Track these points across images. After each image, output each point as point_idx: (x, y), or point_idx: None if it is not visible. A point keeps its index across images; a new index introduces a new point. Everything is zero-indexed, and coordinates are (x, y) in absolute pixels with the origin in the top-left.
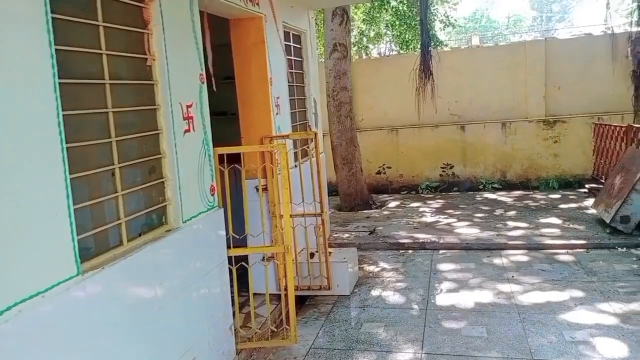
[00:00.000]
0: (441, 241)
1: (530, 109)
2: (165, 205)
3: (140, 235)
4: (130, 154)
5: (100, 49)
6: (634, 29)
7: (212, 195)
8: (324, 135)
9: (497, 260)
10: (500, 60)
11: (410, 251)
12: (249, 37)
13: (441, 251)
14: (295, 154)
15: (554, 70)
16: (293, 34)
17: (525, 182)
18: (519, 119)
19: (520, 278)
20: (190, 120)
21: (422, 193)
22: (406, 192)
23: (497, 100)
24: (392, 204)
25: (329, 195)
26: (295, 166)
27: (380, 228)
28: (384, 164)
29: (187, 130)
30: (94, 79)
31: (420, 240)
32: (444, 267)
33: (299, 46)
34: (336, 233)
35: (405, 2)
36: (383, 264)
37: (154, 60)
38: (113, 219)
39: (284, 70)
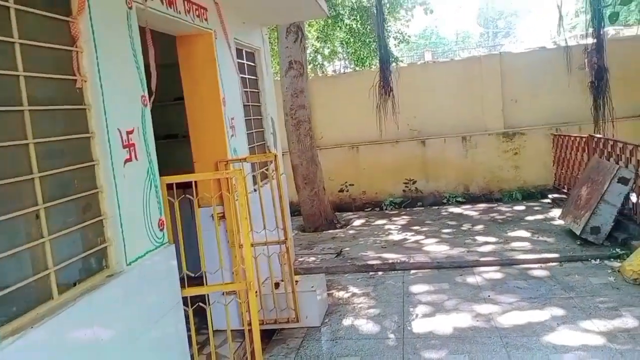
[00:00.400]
0: (411, 261)
1: (489, 122)
2: (106, 247)
3: (75, 284)
4: (59, 191)
5: (17, 70)
6: (589, 41)
7: (161, 230)
8: (283, 154)
9: (470, 279)
10: (456, 75)
11: (380, 273)
12: (198, 54)
13: (412, 271)
14: (254, 177)
15: (510, 83)
16: (246, 52)
17: (488, 195)
18: (479, 132)
19: (496, 297)
20: (132, 148)
21: (386, 210)
22: (370, 209)
23: (455, 115)
24: (357, 222)
25: (291, 216)
26: (255, 190)
27: (347, 249)
28: (346, 182)
29: (129, 160)
30: (8, 105)
31: (390, 261)
32: (416, 288)
33: (252, 64)
34: (301, 257)
35: (358, 19)
36: (353, 289)
37: (84, 81)
38: (40, 270)
39: (237, 89)
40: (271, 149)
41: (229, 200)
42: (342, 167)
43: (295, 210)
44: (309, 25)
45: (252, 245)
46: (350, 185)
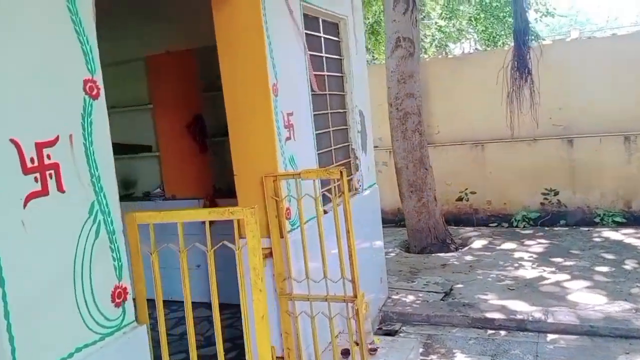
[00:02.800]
0: (550, 320)
1: None
2: None
3: None
4: None
5: None
6: None
7: (119, 305)
8: (390, 153)
9: None
10: (619, 56)
11: (503, 333)
12: (238, 21)
13: (550, 337)
14: (322, 195)
15: None
16: (324, 21)
17: None
18: None
19: None
20: (48, 172)
21: (517, 227)
22: (496, 224)
23: (616, 107)
24: (477, 244)
25: (395, 226)
26: (325, 212)
27: (460, 285)
28: (466, 189)
29: (39, 194)
30: None
31: (519, 316)
32: None
33: (335, 38)
34: (397, 292)
35: None
36: (462, 357)
37: None
38: None
39: (301, 72)
40: (358, 152)
41: (278, 231)
42: (462, 169)
43: (399, 220)
44: (431, 1)
45: (307, 298)
46: (471, 193)
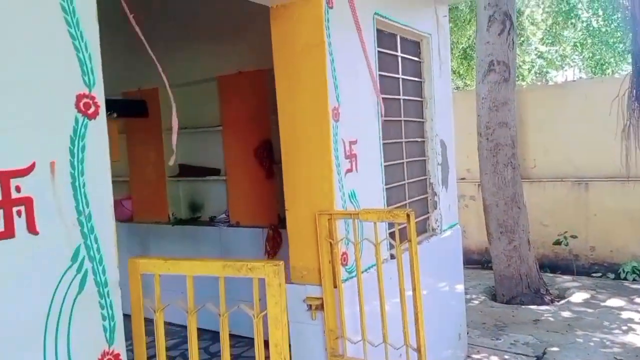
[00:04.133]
0: None
1: None
2: None
3: None
4: None
5: None
6: None
7: None
8: (478, 186)
9: None
10: None
11: None
12: (296, 35)
13: None
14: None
15: None
16: (404, 39)
17: None
18: None
19: None
20: (13, 208)
21: (625, 279)
22: (600, 274)
23: None
24: (577, 297)
25: (482, 268)
26: (390, 257)
27: (555, 349)
28: (565, 231)
29: (2, 236)
30: None
31: None
32: None
33: (415, 59)
34: (478, 351)
35: (599, 14)
36: None
37: None
38: None
39: (370, 95)
40: (437, 187)
41: (331, 279)
42: (561, 209)
43: (488, 261)
44: (532, 24)
45: None
46: (571, 236)
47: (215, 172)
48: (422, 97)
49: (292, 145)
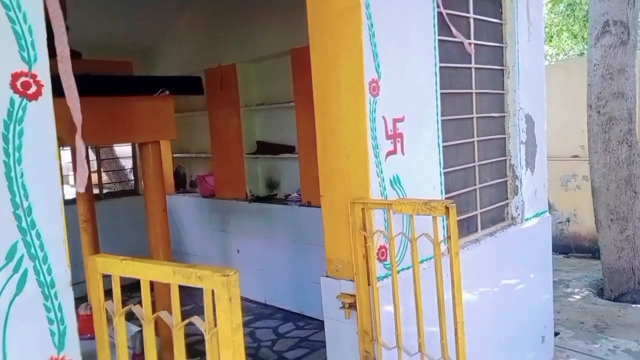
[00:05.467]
0: None
1: None
2: None
3: None
4: None
5: None
6: None
7: None
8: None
9: None
10: None
11: None
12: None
13: None
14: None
15: None
16: None
17: None
18: None
19: None
20: None
21: None
22: None
23: None
24: None
25: (592, 257)
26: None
27: None
28: None
29: None
30: None
31: None
32: None
33: (494, 20)
34: (567, 356)
35: None
36: None
37: None
38: None
39: (426, 63)
40: (518, 170)
41: (368, 277)
42: None
43: (594, 251)
44: None
45: None
46: None
47: (290, 149)
48: (503, 65)
49: (326, 124)
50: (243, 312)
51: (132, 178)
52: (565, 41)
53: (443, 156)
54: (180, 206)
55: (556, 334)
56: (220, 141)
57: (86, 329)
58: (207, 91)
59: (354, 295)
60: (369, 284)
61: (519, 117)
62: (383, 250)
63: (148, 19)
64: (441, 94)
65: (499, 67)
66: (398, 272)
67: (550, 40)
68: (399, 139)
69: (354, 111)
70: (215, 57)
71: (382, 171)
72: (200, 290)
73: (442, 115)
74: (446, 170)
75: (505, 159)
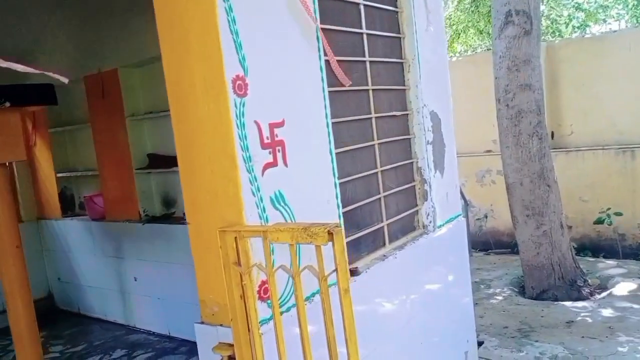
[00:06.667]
0: None
1: None
2: None
3: None
4: None
5: None
6: None
7: None
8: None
9: None
10: None
11: None
12: None
13: None
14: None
15: None
16: None
17: None
18: None
19: None
20: None
21: None
22: None
23: None
24: (622, 288)
25: (511, 252)
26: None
27: None
28: (609, 208)
29: None
30: None
31: None
32: None
33: (389, 8)
34: None
35: None
36: None
37: None
38: None
39: (304, 51)
40: (426, 173)
41: (245, 320)
42: (604, 182)
43: (513, 245)
44: None
45: None
46: (616, 214)
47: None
48: (402, 58)
49: (185, 132)
50: (143, 348)
51: None
52: (472, 37)
53: (337, 164)
54: (68, 231)
55: (480, 343)
56: (106, 156)
57: None
58: (88, 101)
59: (232, 345)
60: (248, 330)
61: (423, 115)
62: (266, 287)
63: (22, 21)
64: (330, 92)
65: (397, 60)
66: (284, 312)
67: (458, 37)
68: (279, 147)
69: (216, 116)
70: (96, 62)
71: (258, 188)
72: None
73: (332, 117)
74: (342, 180)
75: (412, 162)
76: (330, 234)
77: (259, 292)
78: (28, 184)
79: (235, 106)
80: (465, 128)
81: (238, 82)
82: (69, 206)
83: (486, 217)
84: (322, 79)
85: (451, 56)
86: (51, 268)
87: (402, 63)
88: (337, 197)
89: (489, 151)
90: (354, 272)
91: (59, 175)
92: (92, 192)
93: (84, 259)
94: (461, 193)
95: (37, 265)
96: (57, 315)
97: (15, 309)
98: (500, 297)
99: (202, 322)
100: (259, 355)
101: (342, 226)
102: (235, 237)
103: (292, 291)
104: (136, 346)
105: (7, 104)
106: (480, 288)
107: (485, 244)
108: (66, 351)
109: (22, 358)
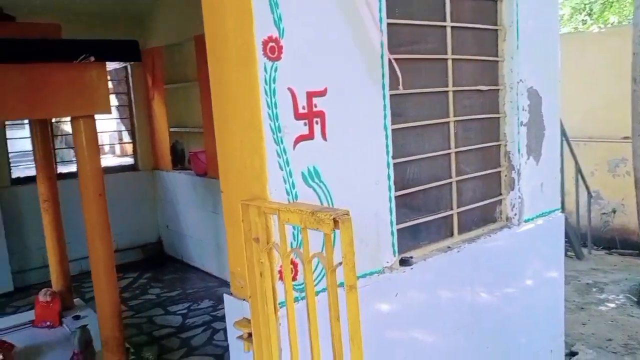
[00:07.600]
0: None
1: None
2: None
3: None
4: None
5: None
6: None
7: None
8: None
9: None
10: None
11: None
12: None
13: None
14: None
15: None
16: None
17: None
18: None
19: None
20: None
21: None
22: None
23: None
24: None
25: (638, 255)
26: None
27: None
28: None
29: None
30: None
31: None
32: None
33: None
34: None
35: None
36: None
37: None
38: None
39: (355, 13)
40: (515, 158)
41: (264, 300)
42: None
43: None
44: None
45: None
46: None
47: None
48: (497, 25)
49: (221, 98)
50: None
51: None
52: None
53: (395, 142)
54: (177, 183)
55: (573, 354)
56: (210, 115)
57: (45, 316)
58: (197, 60)
59: (249, 323)
60: (266, 312)
61: (518, 92)
62: (294, 266)
63: None
64: (393, 59)
65: (490, 27)
66: (303, 298)
67: (611, 6)
68: (318, 118)
69: (246, 80)
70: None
71: (288, 162)
72: None
73: (393, 89)
74: (400, 160)
75: (499, 145)
76: (335, 221)
77: (280, 272)
78: (146, 135)
79: (266, 70)
80: (600, 110)
81: (270, 44)
82: (179, 160)
83: (614, 211)
84: (382, 43)
85: (600, 27)
86: (162, 216)
87: (496, 30)
88: (389, 179)
89: (627, 138)
90: (404, 262)
91: (172, 130)
92: (198, 148)
93: (188, 211)
94: (584, 182)
95: (150, 212)
96: (164, 261)
97: (96, 252)
98: (612, 305)
99: (231, 294)
100: (274, 338)
101: (393, 211)
102: (257, 211)
103: (318, 277)
104: (222, 301)
105: (92, 59)
106: (592, 291)
107: (609, 241)
108: (162, 294)
109: (100, 300)
